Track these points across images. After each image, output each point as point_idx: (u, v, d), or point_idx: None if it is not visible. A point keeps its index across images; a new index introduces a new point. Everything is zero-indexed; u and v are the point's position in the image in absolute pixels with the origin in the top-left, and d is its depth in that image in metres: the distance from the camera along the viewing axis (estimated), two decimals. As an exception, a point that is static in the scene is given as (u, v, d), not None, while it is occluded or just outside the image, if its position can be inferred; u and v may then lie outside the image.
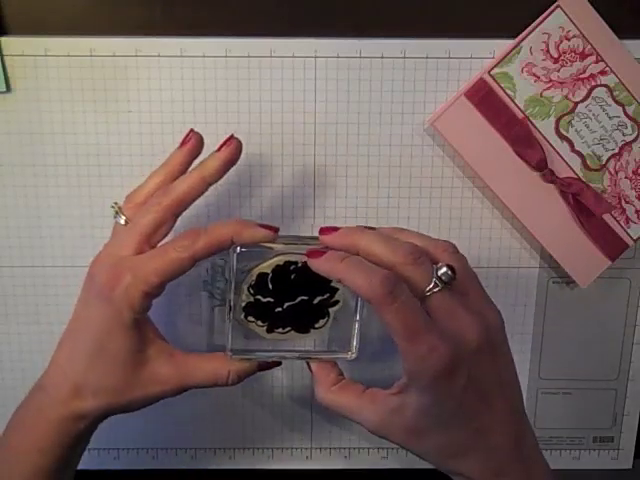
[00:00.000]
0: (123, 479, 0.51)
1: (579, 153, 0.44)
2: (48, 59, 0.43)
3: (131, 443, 0.50)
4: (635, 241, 0.46)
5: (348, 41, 0.43)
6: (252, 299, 0.39)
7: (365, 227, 0.38)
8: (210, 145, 0.45)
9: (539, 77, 0.43)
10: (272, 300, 0.39)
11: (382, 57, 0.43)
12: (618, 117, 0.44)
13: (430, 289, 0.35)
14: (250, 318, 0.40)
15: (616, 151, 0.45)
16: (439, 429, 0.36)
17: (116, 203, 0.40)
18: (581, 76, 0.43)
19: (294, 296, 0.40)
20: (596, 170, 0.45)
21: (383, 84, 0.44)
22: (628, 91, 0.44)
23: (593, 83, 0.43)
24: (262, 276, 0.39)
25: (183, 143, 0.39)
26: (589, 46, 0.43)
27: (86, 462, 0.50)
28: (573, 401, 0.51)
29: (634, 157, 0.45)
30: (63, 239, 0.46)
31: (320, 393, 0.40)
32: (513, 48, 0.42)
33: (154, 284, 0.36)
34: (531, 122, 0.43)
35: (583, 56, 0.43)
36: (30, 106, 0.44)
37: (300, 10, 0.43)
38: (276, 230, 0.38)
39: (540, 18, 0.42)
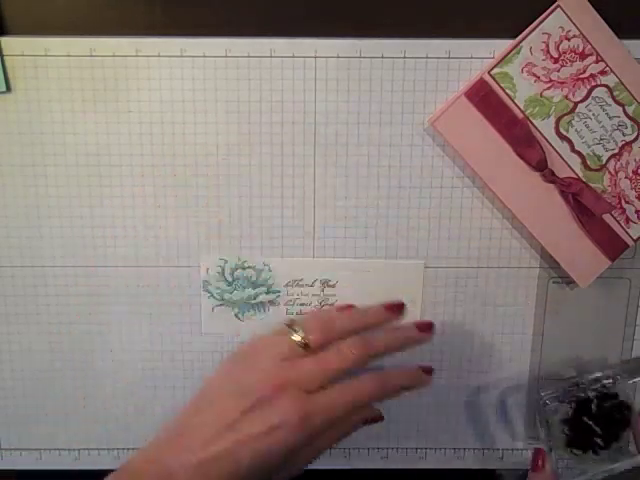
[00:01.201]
0: (123, 479, 0.51)
1: (579, 153, 0.44)
2: (48, 59, 0.43)
3: (131, 443, 0.50)
4: (635, 241, 0.46)
5: (348, 41, 0.43)
6: (572, 434, 0.45)
7: None
8: (210, 145, 0.45)
9: (539, 77, 0.43)
10: (587, 431, 0.45)
11: (382, 57, 0.43)
12: (618, 117, 0.44)
13: None
14: (568, 449, 0.46)
15: (616, 151, 0.45)
16: None
17: (292, 321, 0.41)
18: (581, 76, 0.43)
19: (603, 422, 0.45)
20: (596, 170, 0.45)
21: (383, 84, 0.44)
22: (628, 91, 0.44)
23: (593, 83, 0.43)
24: (578, 414, 0.45)
25: (389, 309, 0.42)
26: (589, 46, 0.43)
27: (86, 462, 0.51)
28: (573, 401, 0.51)
29: (634, 157, 0.45)
30: (63, 239, 0.46)
31: None
32: (513, 48, 0.42)
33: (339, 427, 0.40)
34: (531, 122, 0.43)
35: (583, 56, 0.43)
36: (30, 106, 0.44)
37: (300, 10, 0.43)
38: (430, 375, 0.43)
39: (540, 18, 0.42)
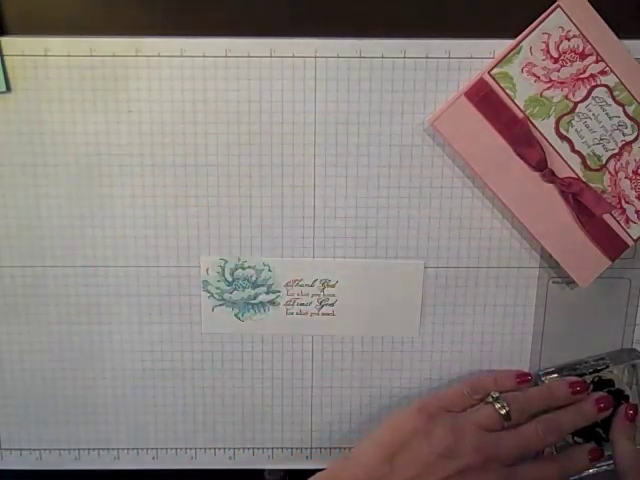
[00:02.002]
0: (123, 479, 0.51)
1: (579, 153, 0.44)
2: (48, 59, 0.43)
3: (131, 443, 0.50)
4: (635, 241, 0.46)
5: (348, 41, 0.43)
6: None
7: None
8: (210, 145, 0.45)
9: (539, 77, 0.43)
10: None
11: (382, 57, 0.43)
12: (618, 117, 0.44)
13: None
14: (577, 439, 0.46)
15: (616, 151, 0.45)
16: None
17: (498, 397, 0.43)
18: (581, 76, 0.43)
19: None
20: (596, 170, 0.45)
21: (383, 84, 0.44)
22: (628, 91, 0.44)
23: (593, 83, 0.43)
24: None
25: (573, 387, 0.44)
26: (589, 46, 0.43)
27: (86, 462, 0.51)
28: (573, 401, 0.51)
29: (634, 157, 0.45)
30: (63, 239, 0.46)
31: None
32: (513, 48, 0.42)
33: None
34: (531, 122, 0.43)
35: (583, 56, 0.43)
36: (30, 106, 0.44)
37: (300, 10, 0.43)
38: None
39: (540, 18, 0.42)
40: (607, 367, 0.46)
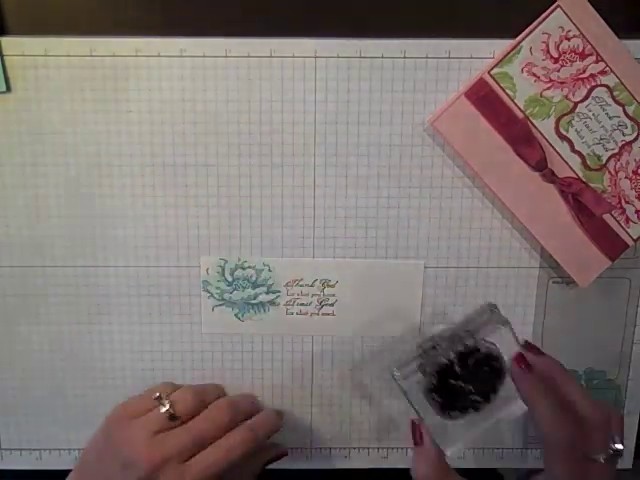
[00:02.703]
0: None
1: (579, 153, 0.44)
2: (48, 59, 0.43)
3: (131, 443, 0.50)
4: (635, 241, 0.46)
5: (348, 41, 0.43)
6: (441, 400, 0.42)
7: (562, 367, 0.42)
8: (210, 145, 0.45)
9: (539, 77, 0.43)
10: (455, 392, 0.42)
11: (382, 57, 0.43)
12: (618, 117, 0.44)
13: (601, 456, 0.38)
14: (445, 415, 0.42)
15: (616, 151, 0.45)
16: None
17: (160, 396, 0.42)
18: (581, 76, 0.43)
19: (470, 379, 0.42)
20: (596, 170, 0.45)
21: (383, 84, 0.44)
22: (628, 91, 0.44)
23: (593, 83, 0.43)
24: (438, 378, 0.42)
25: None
26: (589, 46, 0.43)
27: (86, 462, 0.50)
28: (573, 401, 0.51)
29: (634, 157, 0.45)
30: (63, 239, 0.46)
31: (425, 470, 0.41)
32: (513, 48, 0.42)
33: None
34: (531, 122, 0.43)
35: (583, 56, 0.43)
36: (30, 106, 0.44)
37: (300, 10, 0.43)
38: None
39: (540, 18, 0.42)
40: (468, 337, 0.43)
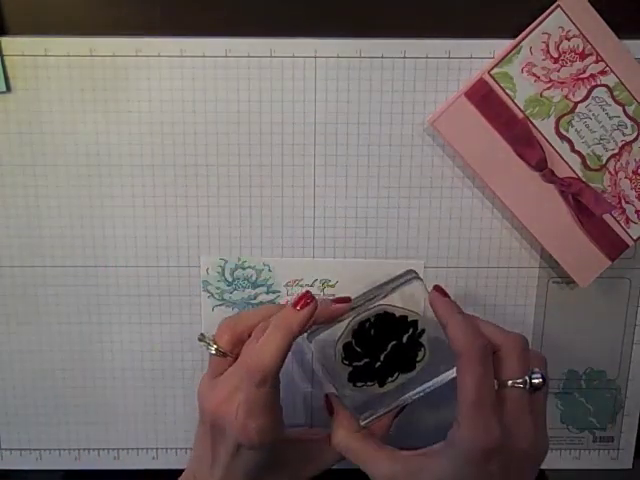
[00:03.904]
0: (123, 479, 0.51)
1: (579, 153, 0.44)
2: (48, 59, 0.43)
3: (131, 443, 0.50)
4: (635, 241, 0.46)
5: (348, 41, 0.43)
6: (351, 368, 0.41)
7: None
8: (210, 145, 0.45)
9: (539, 77, 0.43)
10: (368, 360, 0.42)
11: (382, 57, 0.43)
12: (618, 117, 0.44)
13: (515, 383, 0.37)
14: (359, 384, 0.42)
15: (616, 151, 0.45)
16: None
17: (203, 335, 0.41)
18: (581, 76, 0.43)
19: (385, 346, 0.42)
20: (596, 170, 0.45)
21: (383, 84, 0.44)
22: (628, 91, 0.44)
23: (593, 83, 0.43)
24: (347, 346, 0.41)
25: (299, 305, 0.39)
26: (589, 46, 0.43)
27: (86, 462, 0.51)
28: (573, 401, 0.51)
29: (634, 157, 0.45)
30: (63, 239, 0.46)
31: (340, 436, 0.42)
32: (513, 48, 0.42)
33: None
34: (531, 122, 0.43)
35: (583, 56, 0.43)
36: (30, 106, 0.44)
37: (300, 10, 0.43)
38: (349, 300, 0.41)
39: (540, 18, 0.42)
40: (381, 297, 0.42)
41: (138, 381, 0.49)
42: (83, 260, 0.47)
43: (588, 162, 0.45)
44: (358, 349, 0.41)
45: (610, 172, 0.45)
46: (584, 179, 0.45)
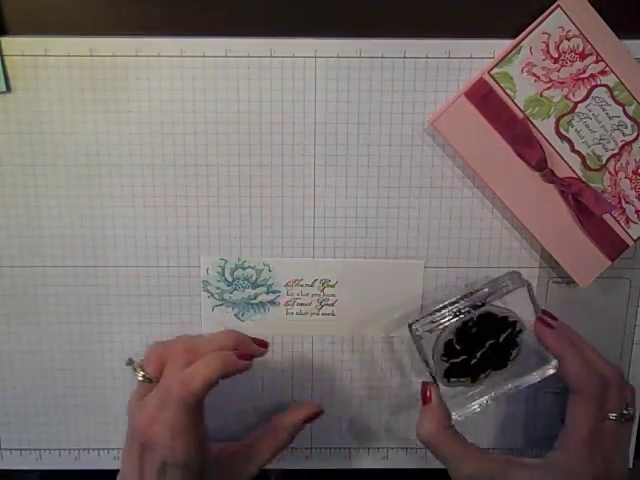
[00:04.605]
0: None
1: (579, 153, 0.44)
2: (48, 59, 0.43)
3: (131, 443, 0.50)
4: (635, 241, 0.46)
5: (348, 41, 0.43)
6: (448, 364, 0.42)
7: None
8: (210, 145, 0.45)
9: (539, 77, 0.43)
10: (466, 357, 0.43)
11: (382, 57, 0.43)
12: (618, 117, 0.44)
13: (614, 416, 0.40)
14: (453, 379, 0.43)
15: (616, 151, 0.45)
16: None
17: (132, 360, 0.42)
18: (581, 76, 0.43)
19: (482, 344, 0.43)
20: (596, 170, 0.45)
21: (383, 84, 0.44)
22: (628, 91, 0.44)
23: (593, 83, 0.43)
24: (449, 343, 0.42)
25: (241, 355, 0.40)
26: (589, 46, 0.43)
27: (85, 462, 0.51)
28: (573, 401, 0.51)
29: (634, 157, 0.45)
30: (63, 239, 0.46)
31: (429, 430, 0.42)
32: (513, 48, 0.42)
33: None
34: (531, 122, 0.43)
35: (583, 56, 0.43)
36: (30, 106, 0.44)
37: (300, 10, 0.43)
38: (267, 345, 0.43)
39: (540, 18, 0.42)
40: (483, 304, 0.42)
41: (138, 381, 0.49)
42: (83, 260, 0.47)
43: (588, 162, 0.45)
44: (458, 347, 0.42)
45: (610, 172, 0.45)
46: (584, 179, 0.45)
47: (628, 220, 0.46)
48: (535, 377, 0.45)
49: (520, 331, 0.43)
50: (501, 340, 0.43)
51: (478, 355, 0.43)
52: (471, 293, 0.43)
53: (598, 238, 0.46)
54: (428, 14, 0.43)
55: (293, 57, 0.43)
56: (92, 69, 0.43)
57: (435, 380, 0.43)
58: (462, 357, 0.43)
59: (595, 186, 0.45)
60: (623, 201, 0.45)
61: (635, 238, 0.46)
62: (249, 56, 0.43)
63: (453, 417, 0.43)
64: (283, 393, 0.50)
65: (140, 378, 0.41)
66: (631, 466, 0.52)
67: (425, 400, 0.43)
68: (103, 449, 0.50)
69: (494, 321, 0.42)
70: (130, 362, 0.42)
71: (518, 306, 0.43)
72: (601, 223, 0.45)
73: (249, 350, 0.41)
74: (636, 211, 0.46)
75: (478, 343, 0.43)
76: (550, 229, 0.45)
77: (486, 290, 0.43)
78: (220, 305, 0.48)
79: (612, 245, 0.46)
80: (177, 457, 0.38)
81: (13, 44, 0.43)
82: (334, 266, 0.47)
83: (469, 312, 0.42)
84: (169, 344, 0.41)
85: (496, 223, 0.47)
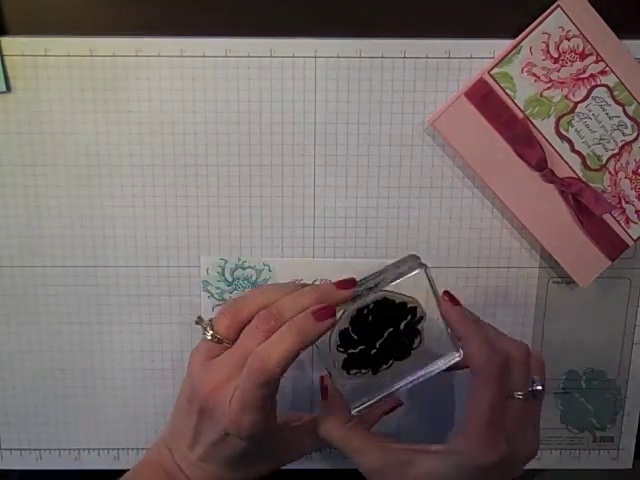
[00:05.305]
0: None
1: (579, 153, 0.44)
2: (48, 59, 0.43)
3: (131, 443, 0.50)
4: (635, 241, 0.46)
5: (348, 41, 0.43)
6: (345, 356, 0.40)
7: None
8: (210, 145, 0.45)
9: (539, 77, 0.43)
10: (363, 347, 0.40)
11: (382, 57, 0.43)
12: (618, 117, 0.44)
13: (520, 394, 0.38)
14: (353, 371, 0.40)
15: (616, 151, 0.45)
16: None
17: (200, 318, 0.40)
18: (581, 76, 0.43)
19: (381, 333, 0.40)
20: (596, 170, 0.45)
21: (383, 84, 0.44)
22: (628, 91, 0.44)
23: (593, 83, 0.43)
24: (344, 332, 0.39)
25: (319, 314, 0.37)
26: (589, 46, 0.43)
27: (86, 462, 0.51)
28: (573, 401, 0.51)
29: (634, 157, 0.45)
30: (63, 239, 0.46)
31: (329, 425, 0.41)
32: (513, 48, 0.42)
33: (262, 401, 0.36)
34: (531, 122, 0.43)
35: (583, 56, 0.43)
36: (30, 106, 0.44)
37: (300, 10, 0.43)
38: (354, 284, 0.38)
39: (540, 18, 0.42)
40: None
41: (138, 381, 0.49)
42: (83, 260, 0.47)
43: (588, 162, 0.45)
44: (355, 336, 0.39)
45: (610, 172, 0.45)
46: (584, 179, 0.45)
47: (628, 220, 0.46)
48: (440, 365, 0.41)
49: (421, 318, 0.40)
50: (401, 328, 0.40)
51: (377, 345, 0.40)
52: (365, 279, 0.40)
53: (598, 238, 0.46)
54: (428, 14, 0.43)
55: (293, 57, 0.43)
56: (92, 69, 0.43)
57: (330, 373, 0.40)
58: (360, 347, 0.40)
59: (595, 186, 0.45)
60: (623, 201, 0.45)
61: (635, 238, 0.46)
62: (249, 56, 0.43)
63: (353, 412, 0.40)
64: (282, 393, 0.50)
65: (209, 337, 0.38)
66: (631, 466, 0.52)
67: (323, 394, 0.42)
68: (103, 449, 0.50)
69: (392, 308, 0.39)
70: (199, 320, 0.39)
71: (418, 292, 0.40)
72: (601, 223, 0.45)
73: (334, 302, 0.37)
74: (636, 211, 0.46)
75: (377, 332, 0.40)
76: (550, 229, 0.45)
77: (380, 275, 0.40)
78: (220, 305, 0.48)
79: (612, 245, 0.46)
80: (242, 430, 0.36)
81: (13, 44, 0.43)
82: (334, 266, 0.47)
83: (361, 297, 0.39)
84: (246, 304, 0.38)
85: (496, 223, 0.47)
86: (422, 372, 0.41)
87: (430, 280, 0.39)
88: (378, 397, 0.41)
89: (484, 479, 0.37)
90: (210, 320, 0.39)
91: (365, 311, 0.39)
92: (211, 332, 0.38)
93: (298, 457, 0.43)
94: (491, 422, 0.37)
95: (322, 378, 0.43)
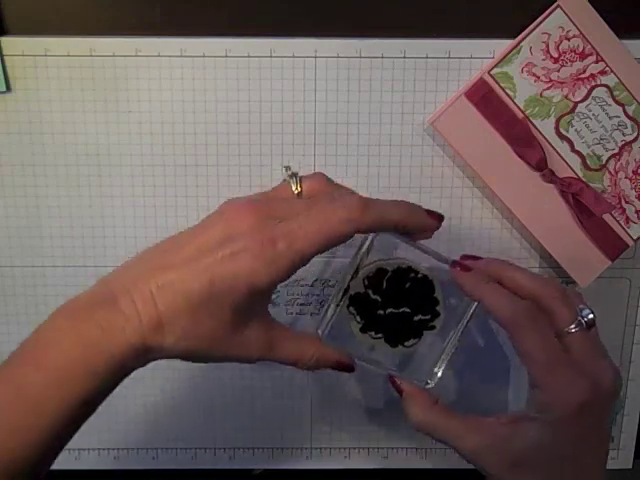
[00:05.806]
0: (123, 479, 0.51)
1: (579, 153, 0.44)
2: (48, 59, 0.43)
3: (131, 443, 0.50)
4: (635, 241, 0.46)
5: (348, 41, 0.43)
6: (363, 290, 0.38)
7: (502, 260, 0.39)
8: (210, 145, 0.45)
9: (539, 77, 0.43)
10: (379, 300, 0.39)
11: (382, 57, 0.43)
12: (618, 117, 0.44)
13: (573, 327, 0.36)
14: (351, 309, 0.39)
15: (616, 151, 0.45)
16: (540, 467, 0.36)
17: (289, 167, 0.38)
18: (581, 76, 0.43)
19: (399, 304, 0.39)
20: (596, 170, 0.45)
21: (383, 84, 0.44)
22: (628, 91, 0.44)
23: (593, 83, 0.43)
24: (381, 272, 0.38)
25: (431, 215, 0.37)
26: (589, 46, 0.43)
27: (86, 462, 0.51)
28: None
29: (634, 157, 0.45)
30: (63, 239, 0.46)
31: (418, 413, 0.39)
32: (513, 48, 0.42)
33: (306, 257, 0.33)
34: (531, 122, 0.43)
35: (583, 56, 0.43)
36: (30, 106, 0.44)
37: (300, 10, 0.43)
38: (441, 219, 0.38)
39: (540, 18, 0.42)
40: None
41: (138, 381, 0.49)
42: (83, 260, 0.47)
43: (588, 162, 0.45)
44: (384, 284, 0.39)
45: (610, 172, 0.45)
46: (584, 179, 0.45)
47: (628, 220, 0.46)
48: (407, 377, 0.40)
49: (433, 327, 0.40)
50: (414, 319, 0.39)
51: (387, 311, 0.39)
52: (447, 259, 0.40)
53: (598, 238, 0.46)
54: (428, 14, 0.43)
55: (293, 57, 0.43)
56: (92, 69, 0.43)
57: (345, 292, 0.38)
58: (377, 297, 0.39)
59: (595, 186, 0.45)
60: (623, 201, 0.45)
61: (635, 238, 0.46)
62: (249, 56, 0.43)
63: (427, 386, 0.40)
64: (282, 393, 0.50)
65: (294, 190, 0.36)
66: (631, 466, 0.52)
67: (398, 391, 0.40)
68: (103, 449, 0.50)
69: (426, 296, 0.39)
70: (288, 168, 0.38)
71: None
72: (601, 223, 0.45)
73: (424, 222, 0.37)
74: (636, 211, 0.46)
75: (397, 300, 0.39)
76: (550, 229, 0.45)
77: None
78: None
79: (612, 245, 0.46)
80: (255, 279, 0.32)
81: (13, 44, 0.43)
82: (334, 266, 0.47)
83: (423, 267, 0.38)
84: (342, 192, 0.36)
85: (496, 223, 0.47)
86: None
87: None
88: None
89: (587, 423, 0.35)
90: (300, 177, 0.37)
91: (411, 275, 0.39)
92: (299, 189, 0.36)
93: (277, 359, 0.37)
94: (551, 364, 0.35)
95: (391, 376, 0.41)
